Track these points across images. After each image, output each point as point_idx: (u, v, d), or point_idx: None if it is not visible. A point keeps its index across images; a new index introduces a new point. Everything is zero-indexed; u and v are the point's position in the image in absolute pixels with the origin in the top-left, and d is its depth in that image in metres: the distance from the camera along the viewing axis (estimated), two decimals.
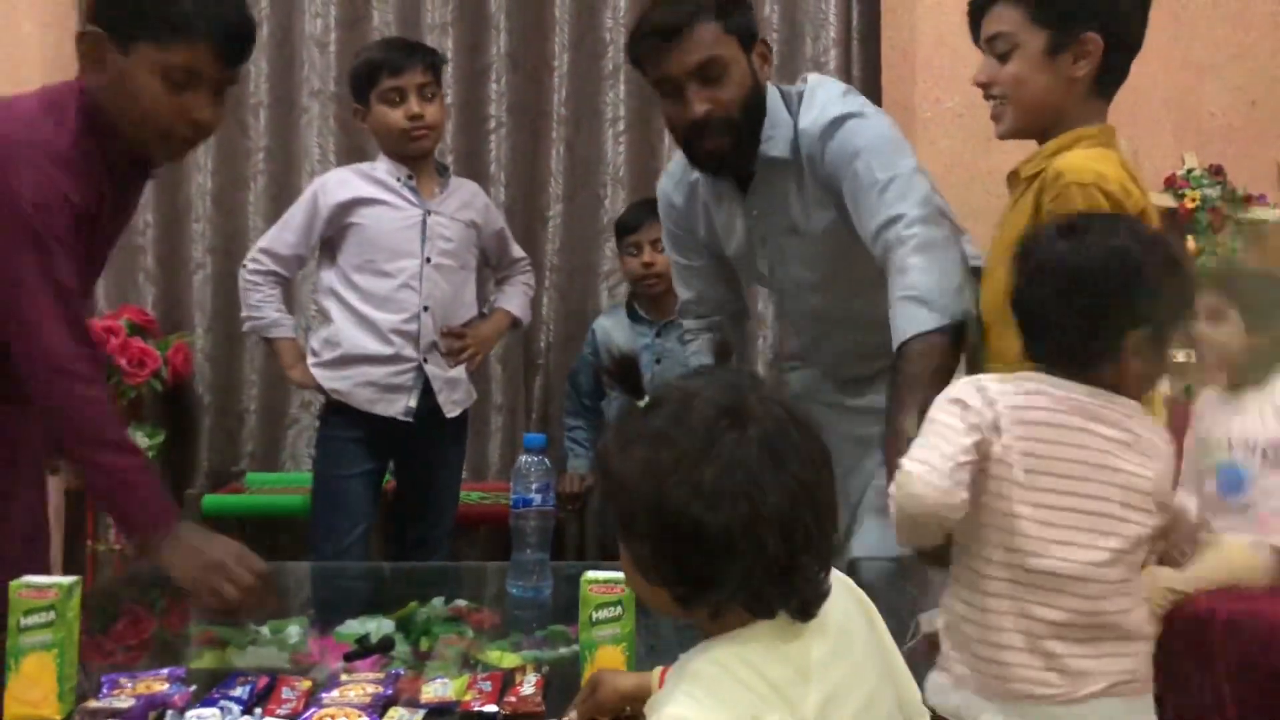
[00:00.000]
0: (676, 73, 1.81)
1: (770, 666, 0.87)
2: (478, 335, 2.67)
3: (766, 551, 0.86)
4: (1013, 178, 1.66)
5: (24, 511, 1.69)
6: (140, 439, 2.98)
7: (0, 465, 1.66)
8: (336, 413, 2.62)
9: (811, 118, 1.84)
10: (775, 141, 1.88)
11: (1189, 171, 3.40)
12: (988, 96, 1.65)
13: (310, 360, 2.64)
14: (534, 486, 1.73)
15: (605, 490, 0.94)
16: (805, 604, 0.90)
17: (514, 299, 2.79)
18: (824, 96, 1.87)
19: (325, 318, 2.65)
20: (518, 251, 2.84)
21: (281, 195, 3.24)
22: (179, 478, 3.23)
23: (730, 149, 1.86)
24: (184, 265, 3.27)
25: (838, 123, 1.82)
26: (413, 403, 2.59)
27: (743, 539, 0.86)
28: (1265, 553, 2.40)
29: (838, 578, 0.96)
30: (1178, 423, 2.72)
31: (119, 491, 1.54)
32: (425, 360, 2.60)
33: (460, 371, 2.67)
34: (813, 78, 1.94)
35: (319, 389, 2.64)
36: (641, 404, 0.94)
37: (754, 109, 1.85)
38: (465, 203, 2.70)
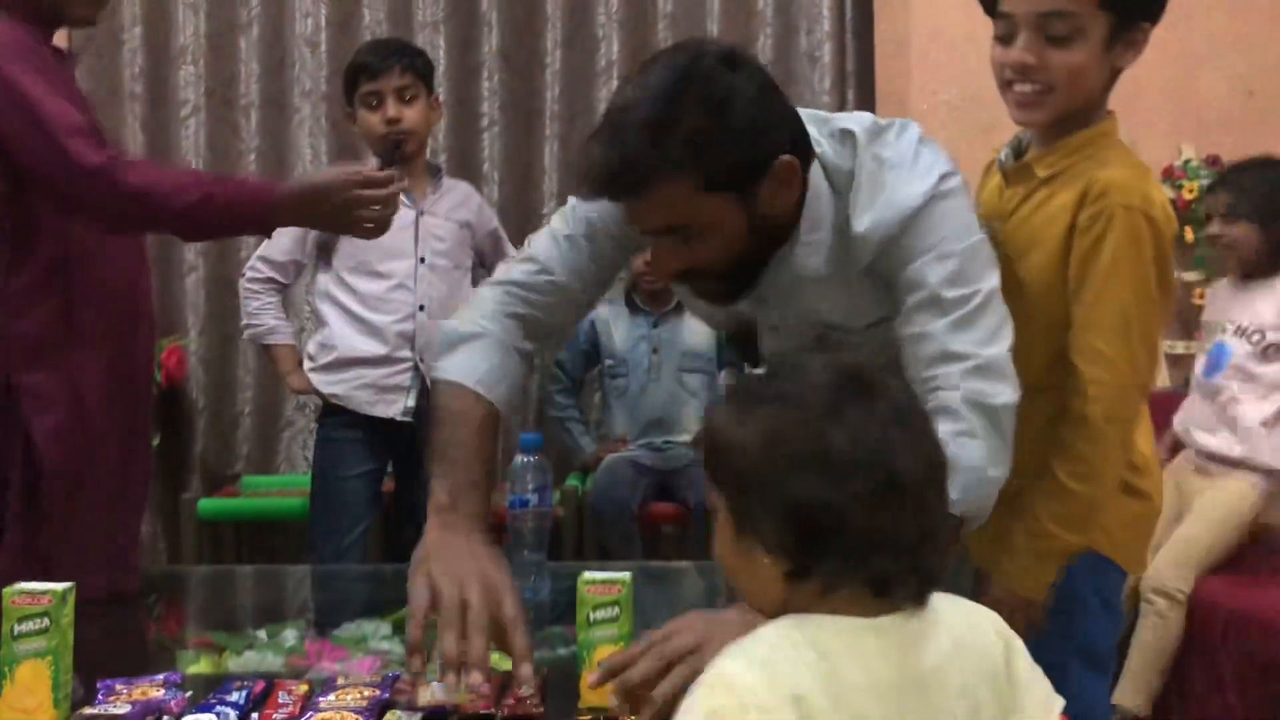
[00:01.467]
0: (639, 226, 1.32)
1: (842, 660, 0.83)
2: None
3: (897, 522, 0.83)
4: (1020, 172, 1.45)
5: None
6: None
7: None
8: (334, 414, 2.62)
9: (883, 212, 1.30)
10: (811, 252, 1.34)
11: (1186, 162, 3.40)
12: (1021, 82, 1.38)
13: (307, 365, 2.65)
14: (530, 487, 1.72)
15: (716, 458, 0.89)
16: (924, 585, 0.86)
17: None
18: (906, 179, 1.31)
19: (321, 321, 2.66)
20: (512, 251, 2.82)
21: None
22: (174, 482, 3.22)
23: (729, 288, 1.36)
24: (176, 269, 3.25)
25: (920, 213, 1.30)
26: (411, 403, 2.59)
27: (873, 508, 0.82)
28: (1254, 493, 2.47)
29: (985, 615, 0.91)
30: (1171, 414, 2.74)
31: (215, 202, 1.58)
32: (421, 360, 2.59)
33: None
34: (892, 149, 1.33)
35: (317, 393, 2.64)
36: (758, 371, 0.91)
37: (746, 256, 1.32)
38: (458, 203, 2.70)
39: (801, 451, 0.83)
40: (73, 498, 1.62)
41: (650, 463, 2.98)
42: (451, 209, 2.68)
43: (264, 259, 2.66)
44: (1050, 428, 1.39)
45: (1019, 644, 0.93)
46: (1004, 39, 1.40)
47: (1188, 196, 3.36)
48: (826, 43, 3.28)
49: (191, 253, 3.25)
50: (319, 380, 2.63)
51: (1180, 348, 3.41)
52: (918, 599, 0.86)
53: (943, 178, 1.32)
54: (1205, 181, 3.34)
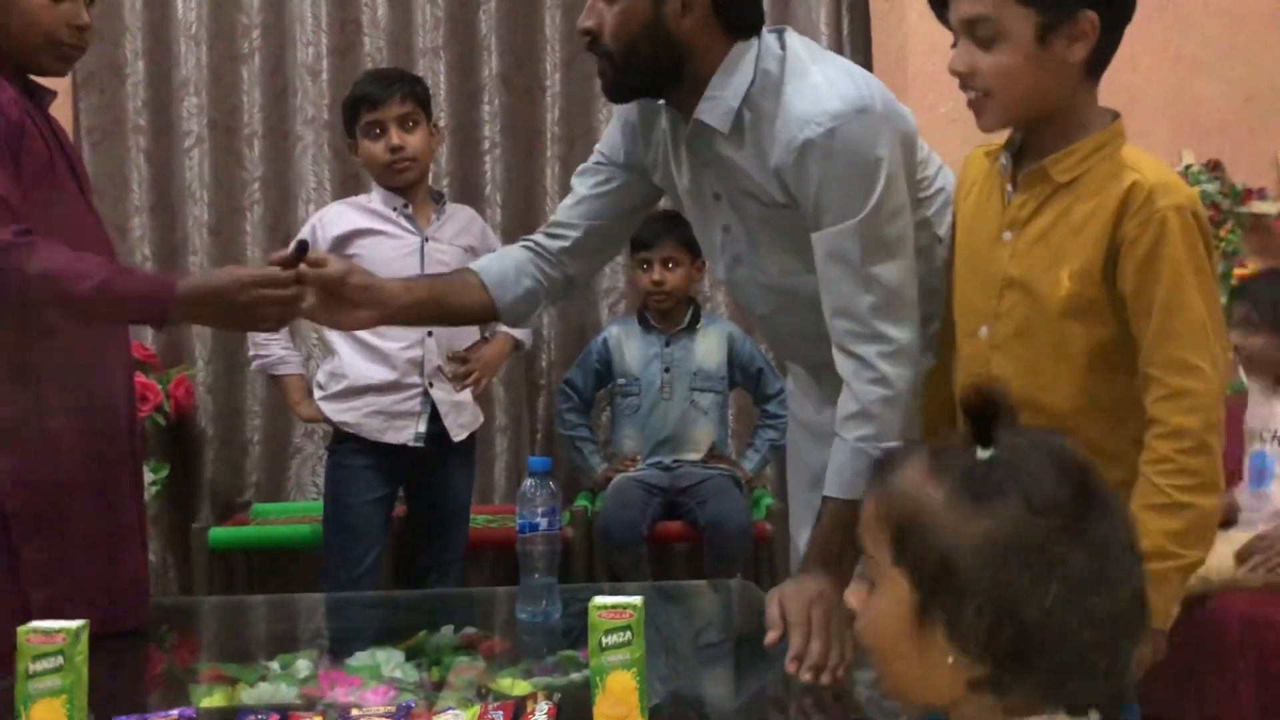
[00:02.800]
0: None
1: None
2: (481, 359, 2.67)
3: (1118, 647, 0.78)
4: (1034, 177, 1.40)
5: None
6: (145, 474, 2.97)
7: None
8: (344, 441, 2.63)
9: (802, 110, 1.48)
10: (712, 107, 1.54)
11: (1187, 168, 3.40)
12: (965, 88, 1.40)
13: (317, 394, 2.67)
14: (540, 510, 1.72)
15: (920, 538, 0.80)
16: (1115, 708, 0.81)
17: None
18: (827, 87, 1.49)
19: (329, 350, 2.68)
20: None
21: (278, 225, 3.25)
22: (184, 511, 3.22)
23: (608, 80, 1.59)
24: None
25: (811, 146, 1.48)
26: (421, 428, 2.60)
27: (1103, 633, 0.77)
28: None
29: None
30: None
31: (113, 292, 1.54)
32: (431, 385, 2.60)
33: (466, 395, 2.68)
34: (798, 44, 1.57)
35: (328, 422, 2.65)
36: (986, 454, 0.80)
37: (638, 49, 1.53)
38: (462, 228, 2.72)
39: (1044, 563, 0.77)
40: (44, 539, 1.59)
41: (659, 483, 2.98)
42: (455, 234, 2.70)
43: None
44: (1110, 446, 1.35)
45: None
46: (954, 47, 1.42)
47: None
48: None
49: None
50: (329, 409, 2.64)
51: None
52: (1109, 715, 0.81)
53: (870, 101, 1.48)
54: (1207, 186, 3.34)
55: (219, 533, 2.98)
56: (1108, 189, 1.33)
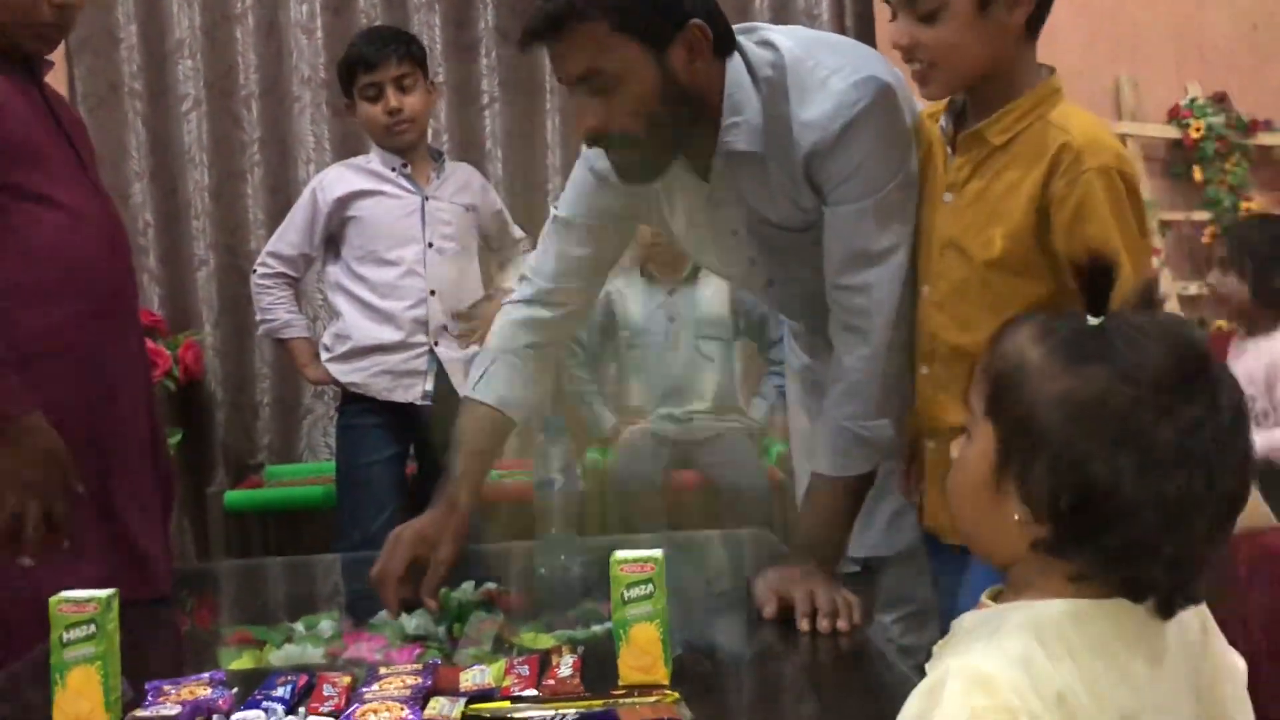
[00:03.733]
0: (561, 77, 1.49)
1: (1096, 653, 0.77)
2: (486, 315, 2.67)
3: (1188, 535, 0.76)
4: (971, 140, 1.41)
5: None
6: None
7: None
8: (354, 401, 2.65)
9: (821, 111, 1.44)
10: (740, 132, 1.48)
11: (1192, 101, 3.37)
12: (909, 60, 1.39)
13: (324, 355, 2.68)
14: (556, 468, 1.73)
15: (1011, 391, 0.80)
16: (1179, 598, 0.79)
17: (514, 278, 2.78)
18: (832, 84, 1.45)
19: (334, 312, 2.69)
20: (517, 232, 2.86)
21: (279, 186, 3.24)
22: (199, 476, 3.24)
23: (637, 166, 1.51)
24: (187, 263, 3.26)
25: (851, 129, 1.43)
26: (429, 386, 2.62)
27: (1172, 516, 0.75)
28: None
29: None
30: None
31: None
32: (436, 344, 2.61)
33: (472, 351, 2.68)
34: (782, 39, 1.51)
35: (336, 383, 2.66)
36: (1095, 322, 0.79)
37: (659, 120, 1.44)
38: (462, 186, 2.72)
39: (1121, 432, 0.75)
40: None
41: (671, 435, 2.99)
42: (455, 192, 2.69)
43: (273, 254, 2.69)
44: None
45: (1207, 614, 0.89)
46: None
47: (1195, 135, 3.34)
48: None
49: (201, 247, 3.26)
50: (337, 370, 2.65)
51: (1193, 288, 3.40)
52: (1166, 614, 0.80)
53: (873, 97, 1.43)
54: (1213, 119, 3.32)
55: (234, 496, 3.00)
56: (1038, 150, 1.34)
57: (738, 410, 3.09)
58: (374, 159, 2.66)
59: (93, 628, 1.15)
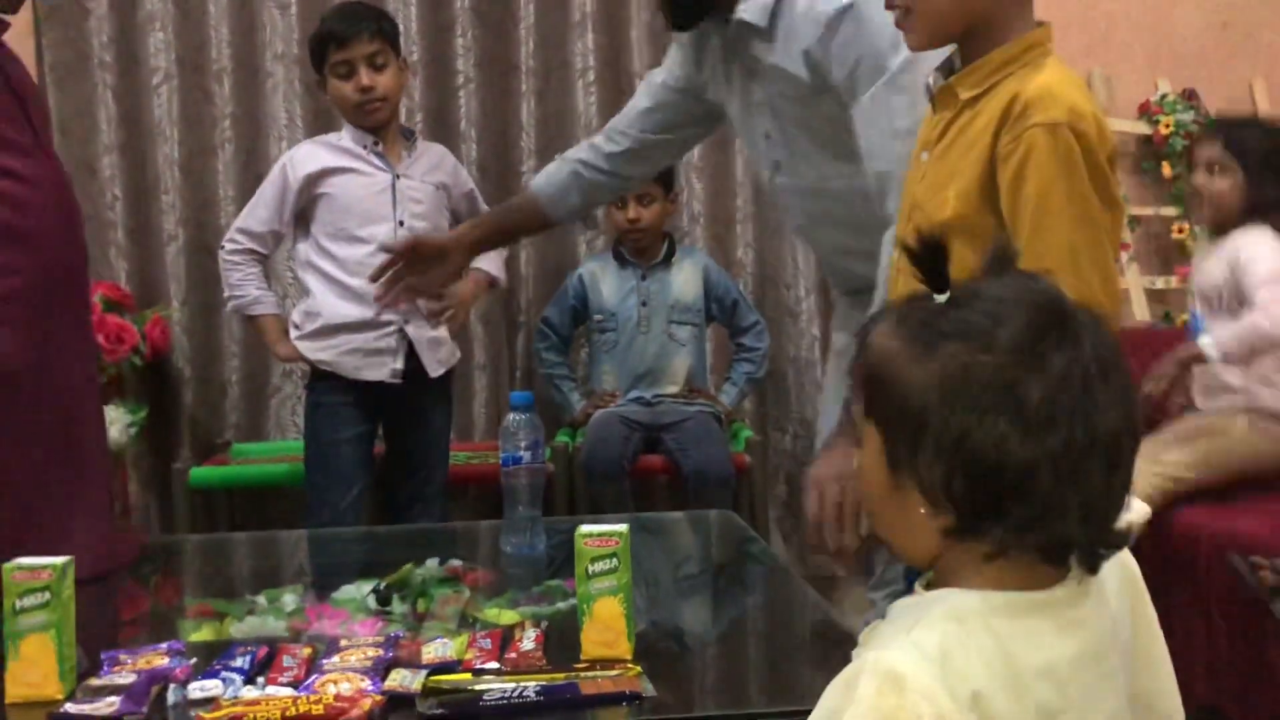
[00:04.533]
0: None
1: (1018, 645, 0.76)
2: (456, 296, 2.66)
3: (1089, 484, 0.74)
4: (944, 95, 1.35)
5: None
6: (123, 415, 2.96)
7: None
8: (322, 379, 2.64)
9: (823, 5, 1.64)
10: (751, 3, 1.71)
11: (1163, 97, 3.40)
12: (889, 6, 1.35)
13: (293, 333, 2.67)
14: (523, 444, 1.73)
15: (879, 389, 0.80)
16: (1101, 548, 0.78)
17: (489, 259, 2.77)
18: None
19: (304, 289, 2.68)
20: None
21: (250, 162, 3.20)
22: (164, 452, 3.21)
23: (675, 9, 1.77)
24: (156, 238, 3.23)
25: (843, 15, 1.62)
26: (398, 365, 2.61)
27: (1064, 469, 0.74)
28: (1260, 434, 2.45)
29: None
30: (1155, 349, 2.75)
31: None
32: (407, 323, 2.60)
33: (443, 331, 2.68)
34: None
35: (305, 361, 2.64)
36: (940, 299, 0.79)
37: None
38: (434, 165, 2.71)
39: (991, 401, 0.74)
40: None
41: (640, 418, 2.99)
42: (426, 171, 2.68)
43: (242, 230, 2.66)
44: None
45: (1136, 573, 0.88)
46: None
47: (1165, 131, 3.36)
48: None
49: (170, 222, 3.22)
50: (306, 347, 2.64)
51: (1160, 283, 3.43)
52: (1091, 568, 0.79)
53: None
54: (1182, 115, 3.34)
55: (200, 472, 2.98)
56: (999, 105, 1.26)
57: (707, 395, 3.09)
58: (345, 136, 2.65)
59: (47, 595, 1.14)
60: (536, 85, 3.26)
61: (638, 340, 3.05)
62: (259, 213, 2.64)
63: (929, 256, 0.80)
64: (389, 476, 2.79)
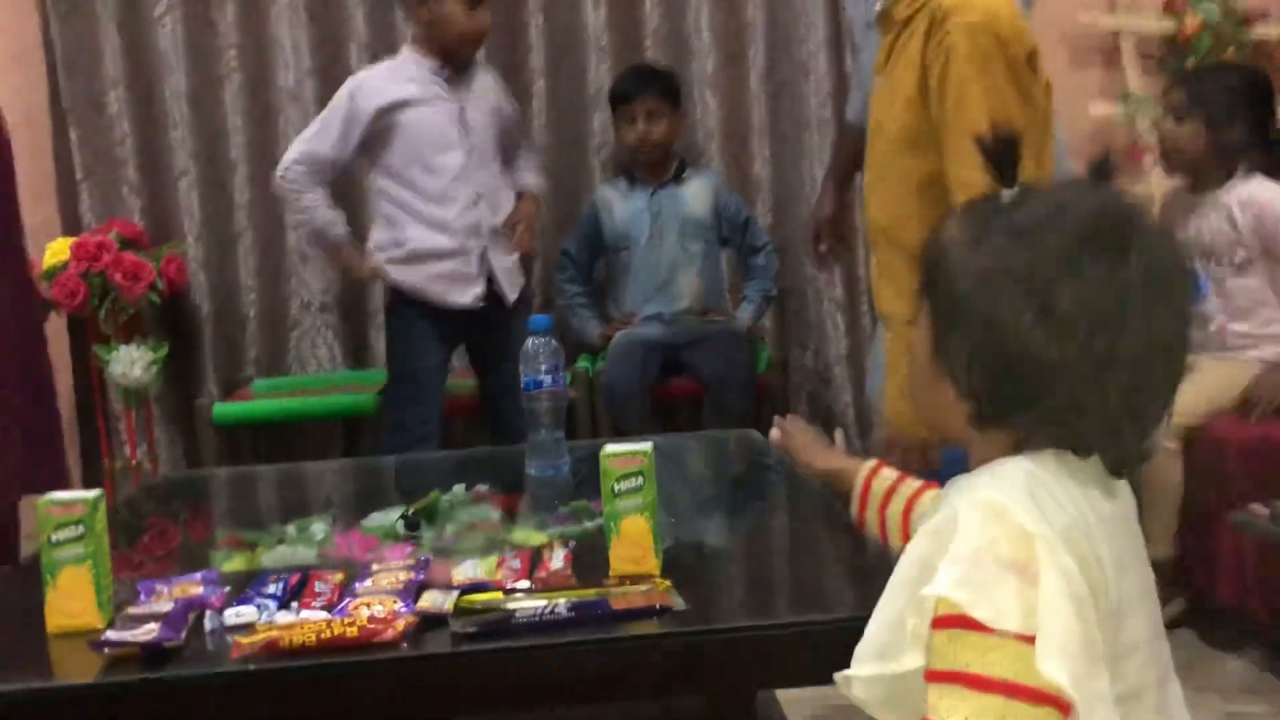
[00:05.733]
0: None
1: (1083, 494, 0.78)
2: (524, 214, 2.76)
3: (1105, 396, 0.76)
4: (884, 19, 1.45)
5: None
6: (144, 353, 2.97)
7: None
8: (408, 305, 2.69)
9: None
10: None
11: None
12: None
13: (380, 255, 2.70)
14: (544, 368, 1.73)
15: (933, 272, 0.82)
16: (1124, 459, 0.80)
17: (533, 175, 2.87)
18: None
19: (384, 218, 2.71)
20: (526, 129, 2.97)
21: (257, 92, 3.17)
22: (186, 389, 3.23)
23: None
24: (168, 173, 3.21)
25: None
26: (480, 289, 2.68)
27: (1081, 376, 0.76)
28: (1245, 374, 2.43)
29: None
30: None
31: None
32: (487, 248, 2.67)
33: (514, 258, 2.75)
34: None
35: (388, 280, 2.70)
36: (1007, 196, 0.81)
37: None
38: (488, 88, 2.76)
39: (1022, 297, 0.76)
40: None
41: (660, 338, 2.99)
42: (484, 95, 2.73)
43: (306, 156, 2.64)
44: None
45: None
46: None
47: (1191, 28, 3.27)
48: (820, 53, 3.19)
49: (182, 157, 3.19)
50: (395, 272, 2.68)
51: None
52: (1115, 471, 0.81)
53: None
54: (1208, 4, 3.24)
55: (223, 409, 2.99)
56: (927, 20, 1.35)
57: (724, 312, 3.08)
58: (409, 64, 2.65)
59: (81, 528, 1.15)
60: (544, 3, 3.20)
61: (651, 256, 3.03)
62: (325, 139, 2.63)
63: (1001, 153, 0.82)
64: (484, 403, 2.83)
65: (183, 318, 3.23)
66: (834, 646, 0.84)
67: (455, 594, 1.14)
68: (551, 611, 1.09)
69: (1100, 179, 0.83)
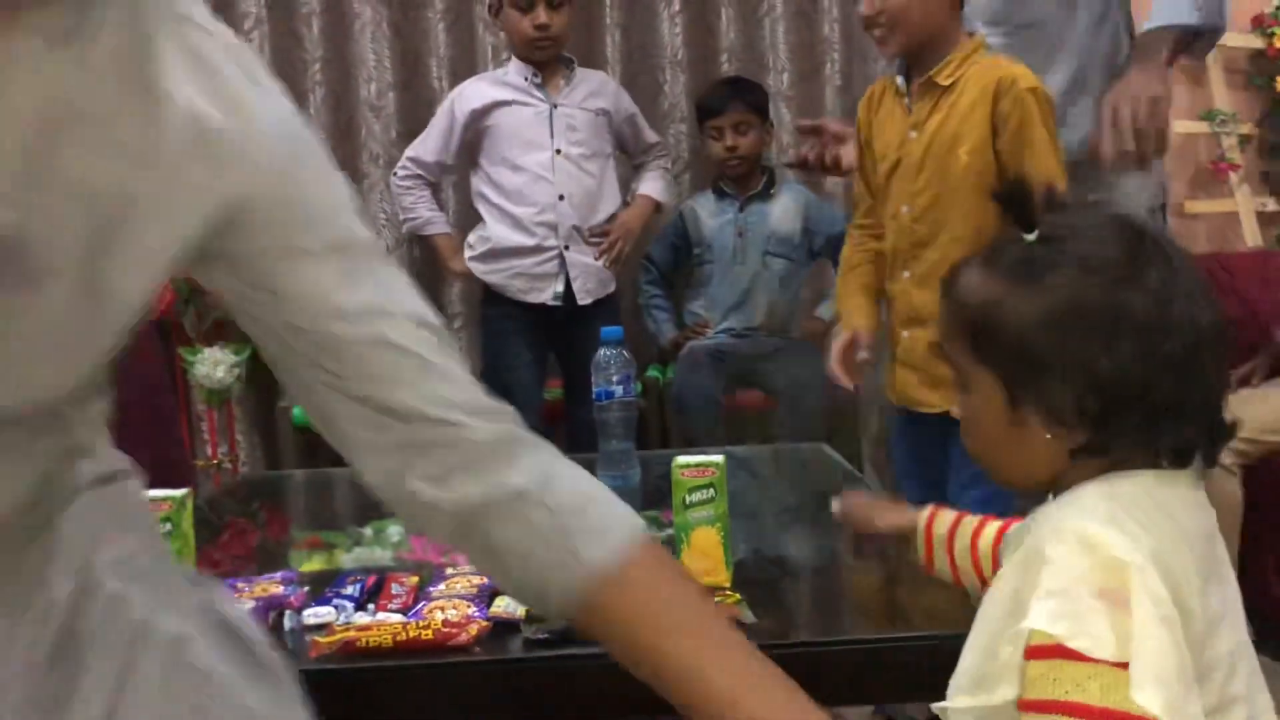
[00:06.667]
0: None
1: (1174, 509, 0.80)
2: (621, 224, 2.83)
3: (1204, 379, 0.80)
4: (927, 86, 1.81)
5: None
6: (227, 356, 3.05)
7: None
8: (495, 304, 2.81)
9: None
10: None
11: (1278, 9, 3.23)
12: (870, 26, 1.81)
13: (467, 254, 2.86)
14: (615, 379, 1.74)
15: (988, 332, 0.83)
16: (1216, 448, 0.82)
17: (653, 182, 2.95)
18: None
19: (479, 216, 2.85)
20: (652, 136, 2.99)
21: (340, 106, 3.24)
22: (267, 392, 3.30)
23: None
24: None
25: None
26: (559, 288, 2.77)
27: (1183, 370, 0.78)
28: None
29: None
30: (1265, 276, 2.65)
31: None
32: (566, 248, 2.76)
33: (597, 261, 2.82)
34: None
35: (475, 279, 2.85)
36: (1032, 236, 0.83)
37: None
38: (593, 91, 2.84)
39: (1105, 320, 0.78)
40: None
41: (732, 350, 2.99)
42: (585, 98, 2.81)
43: (413, 159, 2.88)
44: None
45: None
46: None
47: (1279, 45, 3.20)
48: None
49: None
50: (478, 269, 2.83)
51: (1272, 204, 3.29)
52: (1211, 461, 0.83)
53: None
54: None
55: (303, 411, 3.04)
56: (984, 83, 1.76)
57: (805, 332, 3.07)
58: (510, 70, 2.81)
59: (169, 526, 1.19)
60: (621, 18, 3.27)
61: (732, 271, 3.03)
62: (428, 144, 2.86)
63: (1016, 199, 0.84)
64: (571, 403, 2.88)
65: None
66: (902, 665, 0.84)
67: None
68: None
69: (1059, 206, 0.85)
